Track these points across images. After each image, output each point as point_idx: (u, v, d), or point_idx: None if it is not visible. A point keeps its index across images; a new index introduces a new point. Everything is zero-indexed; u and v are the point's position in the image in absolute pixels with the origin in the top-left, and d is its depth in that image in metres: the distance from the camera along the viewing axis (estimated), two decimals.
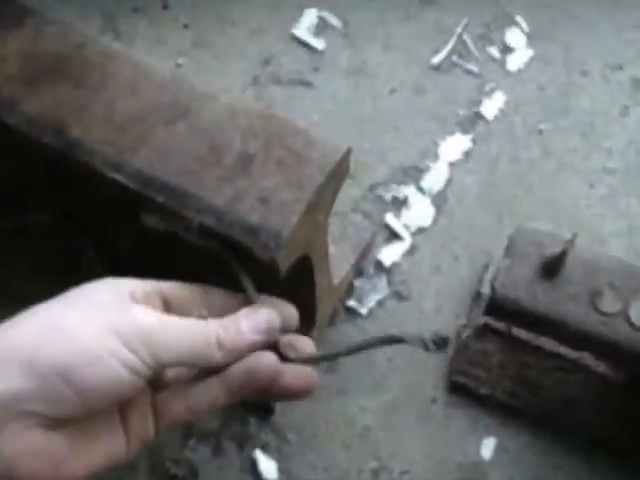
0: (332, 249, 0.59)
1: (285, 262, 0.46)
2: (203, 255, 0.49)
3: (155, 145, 0.49)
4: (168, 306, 0.43)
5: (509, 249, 0.55)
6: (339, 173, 0.49)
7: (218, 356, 0.41)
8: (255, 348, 0.42)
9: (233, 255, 0.46)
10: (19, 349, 0.36)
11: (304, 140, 0.48)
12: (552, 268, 0.54)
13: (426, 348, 0.43)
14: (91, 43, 0.54)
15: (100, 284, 0.42)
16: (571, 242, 0.52)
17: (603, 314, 0.53)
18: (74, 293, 0.41)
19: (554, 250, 0.53)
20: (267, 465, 0.62)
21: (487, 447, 0.63)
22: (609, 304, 0.53)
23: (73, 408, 0.36)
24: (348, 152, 0.48)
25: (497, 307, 0.54)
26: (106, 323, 0.38)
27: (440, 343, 0.43)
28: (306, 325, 0.62)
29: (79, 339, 0.37)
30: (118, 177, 0.48)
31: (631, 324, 0.53)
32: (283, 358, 0.44)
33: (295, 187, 0.46)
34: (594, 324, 0.53)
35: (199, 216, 0.46)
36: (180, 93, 0.51)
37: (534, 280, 0.54)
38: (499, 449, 0.63)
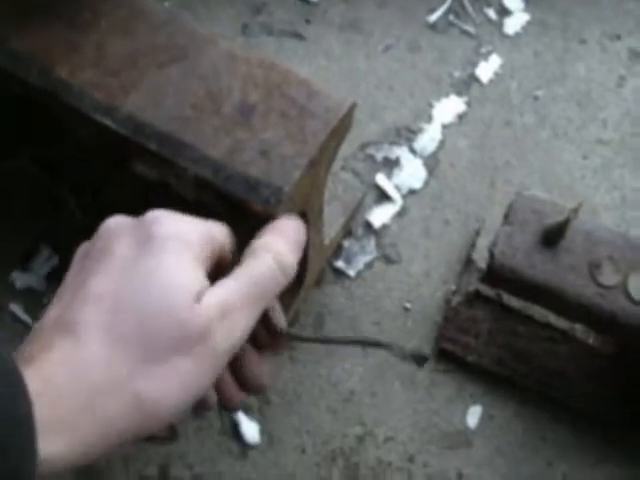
0: None
1: None
2: (195, 208, 0.47)
3: (148, 89, 0.46)
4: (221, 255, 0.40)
5: (509, 216, 0.53)
6: (342, 128, 0.46)
7: (284, 282, 0.39)
8: None
9: (229, 210, 0.44)
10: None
11: (307, 91, 0.46)
12: (552, 237, 0.52)
13: (405, 360, 0.43)
14: None
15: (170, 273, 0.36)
16: (575, 212, 0.50)
17: (601, 286, 0.52)
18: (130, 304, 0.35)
19: (555, 219, 0.52)
20: (249, 427, 0.60)
21: (473, 415, 0.62)
22: (608, 277, 0.52)
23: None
24: (352, 107, 0.46)
25: (495, 274, 0.53)
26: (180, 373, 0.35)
27: (419, 360, 0.43)
28: (295, 285, 0.60)
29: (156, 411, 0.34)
30: (108, 122, 0.45)
31: (629, 297, 0.52)
32: (273, 330, 0.42)
33: (297, 141, 0.44)
34: (592, 296, 0.52)
35: (194, 167, 0.44)
36: (176, 35, 0.48)
37: (533, 249, 0.53)
38: (485, 417, 0.62)
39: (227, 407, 0.42)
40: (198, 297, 0.35)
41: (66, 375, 0.32)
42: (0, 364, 0.31)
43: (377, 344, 0.44)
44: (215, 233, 0.39)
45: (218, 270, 0.39)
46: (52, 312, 0.35)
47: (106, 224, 0.38)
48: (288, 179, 0.43)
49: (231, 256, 0.40)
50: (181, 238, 0.36)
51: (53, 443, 0.31)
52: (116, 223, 0.38)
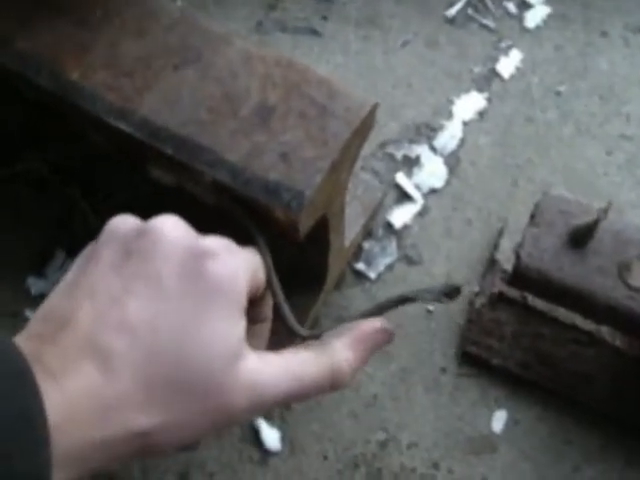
0: None
1: (305, 224, 0.43)
2: (212, 212, 0.46)
3: (163, 91, 0.45)
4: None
5: (535, 217, 0.52)
6: (364, 129, 0.45)
7: (328, 393, 0.38)
8: None
9: (248, 215, 0.43)
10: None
11: (327, 91, 0.44)
12: (580, 239, 0.51)
13: (439, 301, 0.41)
14: None
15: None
16: (604, 212, 0.49)
17: (631, 288, 0.50)
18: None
19: (583, 220, 0.51)
20: (269, 434, 0.59)
21: (498, 420, 0.60)
22: (638, 278, 0.51)
23: None
24: (375, 107, 0.45)
25: (521, 277, 0.51)
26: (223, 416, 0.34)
27: (452, 293, 0.41)
28: (315, 288, 0.59)
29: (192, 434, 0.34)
30: (122, 126, 0.44)
31: None
32: (292, 334, 0.42)
33: (319, 143, 0.42)
34: (622, 298, 0.50)
35: (212, 171, 0.42)
36: (190, 35, 0.47)
37: (561, 250, 0.51)
38: (510, 422, 0.60)
39: None
40: (236, 357, 0.34)
41: (89, 408, 0.31)
42: (12, 364, 0.30)
43: (402, 300, 0.42)
44: (257, 271, 0.38)
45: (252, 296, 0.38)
46: (81, 317, 0.33)
47: (158, 226, 0.36)
48: (310, 183, 0.41)
49: (264, 282, 0.39)
50: (232, 284, 0.35)
51: (58, 475, 0.30)
52: (169, 233, 0.35)
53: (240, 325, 0.35)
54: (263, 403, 0.36)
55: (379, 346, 0.41)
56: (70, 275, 0.37)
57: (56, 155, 0.63)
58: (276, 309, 0.42)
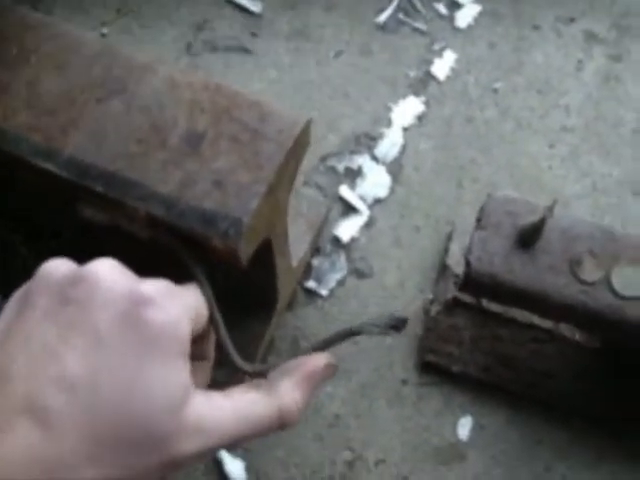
0: None
1: (246, 251, 0.41)
2: (148, 245, 0.44)
3: (89, 127, 0.43)
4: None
5: (482, 220, 0.51)
6: (299, 147, 0.44)
7: (276, 431, 0.37)
8: None
9: (186, 247, 0.41)
10: None
11: (258, 113, 0.43)
12: (528, 239, 0.50)
13: (386, 333, 0.40)
14: (6, 12, 0.48)
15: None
16: (550, 210, 0.48)
17: (584, 283, 0.50)
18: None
19: (529, 219, 0.50)
20: (234, 465, 0.57)
21: (464, 426, 0.60)
22: (590, 273, 0.50)
23: None
24: (308, 124, 0.44)
25: (473, 282, 0.50)
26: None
27: (399, 325, 0.40)
28: (267, 311, 0.58)
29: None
30: (48, 166, 0.42)
31: (613, 292, 0.50)
32: (236, 369, 0.40)
33: (252, 167, 0.41)
34: (575, 295, 0.50)
35: (145, 205, 0.41)
36: (113, 67, 0.45)
37: (510, 252, 0.50)
38: (476, 427, 0.60)
39: None
40: (181, 405, 0.33)
41: (29, 469, 0.29)
42: None
43: (348, 334, 0.41)
44: (199, 308, 0.36)
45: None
46: (16, 371, 0.31)
47: (94, 272, 0.33)
48: (246, 209, 0.40)
49: (207, 318, 0.38)
50: (173, 330, 0.33)
51: None
52: (106, 279, 0.33)
53: (184, 371, 0.33)
54: (211, 446, 0.34)
55: (325, 381, 0.40)
56: (2, 322, 0.34)
57: None
58: (219, 344, 0.40)
